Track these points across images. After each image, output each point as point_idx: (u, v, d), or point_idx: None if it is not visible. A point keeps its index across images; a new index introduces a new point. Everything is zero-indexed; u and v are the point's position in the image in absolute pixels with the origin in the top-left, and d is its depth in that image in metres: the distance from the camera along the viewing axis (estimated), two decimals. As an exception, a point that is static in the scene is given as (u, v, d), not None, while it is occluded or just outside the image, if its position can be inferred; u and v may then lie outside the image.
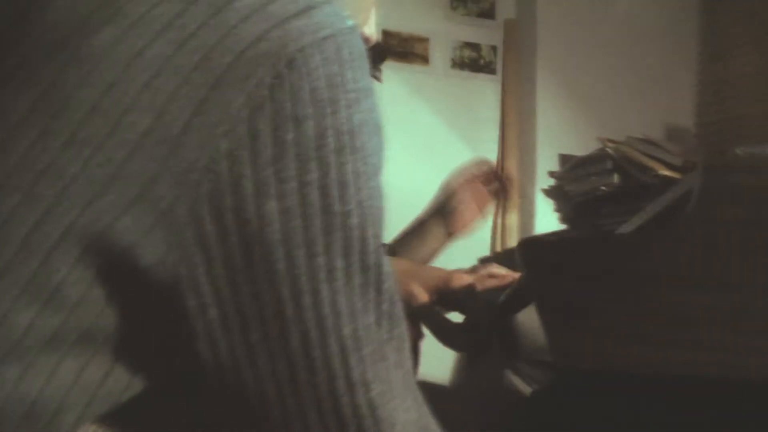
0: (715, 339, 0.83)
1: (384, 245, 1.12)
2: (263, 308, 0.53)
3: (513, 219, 2.68)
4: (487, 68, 2.85)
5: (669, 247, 0.85)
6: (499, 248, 2.56)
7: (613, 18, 2.80)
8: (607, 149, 1.65)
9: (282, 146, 0.52)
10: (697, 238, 0.85)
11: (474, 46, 2.85)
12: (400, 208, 1.78)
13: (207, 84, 0.52)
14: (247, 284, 0.53)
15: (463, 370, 1.41)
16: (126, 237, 0.52)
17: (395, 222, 1.74)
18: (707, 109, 2.87)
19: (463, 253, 1.60)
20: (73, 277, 0.52)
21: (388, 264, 0.57)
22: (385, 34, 2.73)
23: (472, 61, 2.84)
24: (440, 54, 2.80)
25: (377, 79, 2.01)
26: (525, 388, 0.96)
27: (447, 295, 1.11)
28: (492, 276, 1.31)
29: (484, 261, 1.71)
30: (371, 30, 0.89)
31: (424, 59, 2.78)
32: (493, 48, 2.86)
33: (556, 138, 2.69)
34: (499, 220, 2.71)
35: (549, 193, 2.11)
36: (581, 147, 2.52)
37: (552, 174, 2.60)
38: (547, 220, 2.57)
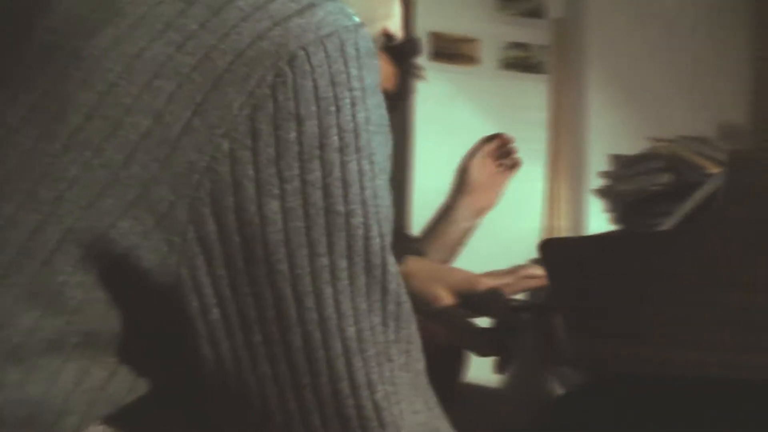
0: (741, 340, 0.82)
1: (411, 244, 1.11)
2: (265, 309, 0.53)
3: (565, 220, 2.66)
4: (536, 68, 2.84)
5: (692, 246, 0.84)
6: (550, 249, 2.53)
7: (663, 14, 2.76)
8: (658, 148, 1.63)
9: (284, 145, 0.51)
10: (722, 237, 0.83)
11: (523, 46, 2.83)
12: (449, 210, 1.79)
13: (207, 84, 0.51)
14: (249, 285, 0.52)
15: (506, 373, 1.41)
16: (126, 239, 0.51)
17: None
18: (763, 105, 2.81)
19: (515, 255, 1.60)
20: (74, 280, 0.52)
21: (395, 264, 0.56)
22: (433, 35, 2.73)
23: (520, 61, 2.82)
24: (489, 54, 2.79)
25: (420, 77, 2.02)
26: (557, 391, 0.96)
27: (471, 298, 1.10)
28: (530, 277, 1.31)
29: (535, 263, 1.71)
30: (396, 25, 0.88)
31: (473, 60, 2.78)
32: (542, 47, 2.85)
33: (608, 138, 2.66)
34: (550, 222, 2.69)
35: (600, 193, 2.09)
36: (633, 147, 2.50)
37: (602, 174, 2.57)
38: (598, 220, 2.55)
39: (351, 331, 0.54)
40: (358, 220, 0.53)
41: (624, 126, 2.65)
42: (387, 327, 0.56)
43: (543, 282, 1.30)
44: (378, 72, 0.57)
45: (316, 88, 0.52)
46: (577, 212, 2.65)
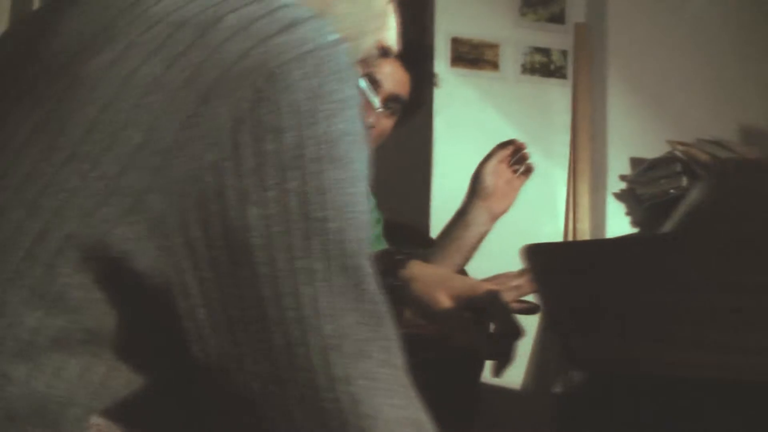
0: (727, 341, 0.84)
1: (418, 251, 1.14)
2: (248, 309, 0.57)
3: (585, 224, 2.67)
4: (558, 73, 2.85)
5: (678, 250, 0.86)
6: (572, 253, 2.53)
7: (684, 19, 2.77)
8: (676, 152, 1.65)
9: (263, 156, 0.55)
10: (708, 241, 0.86)
11: (544, 51, 2.85)
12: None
13: (194, 100, 0.56)
14: (232, 286, 0.56)
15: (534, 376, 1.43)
16: (121, 244, 0.56)
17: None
18: (785, 108, 2.80)
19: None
20: (75, 282, 0.56)
21: (371, 266, 0.60)
22: (455, 41, 2.75)
23: (542, 66, 2.84)
24: (510, 60, 2.81)
25: (435, 83, 2.03)
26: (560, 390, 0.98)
27: (472, 302, 1.13)
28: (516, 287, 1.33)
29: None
30: (392, 37, 0.91)
31: (495, 65, 2.80)
32: (564, 52, 2.86)
33: (628, 141, 2.66)
34: (571, 225, 2.70)
35: (620, 196, 2.10)
36: (654, 150, 2.51)
37: (623, 178, 2.58)
38: (618, 223, 2.56)
39: (328, 329, 0.57)
40: (333, 225, 0.57)
41: (645, 129, 2.65)
42: (363, 325, 0.59)
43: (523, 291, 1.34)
44: (357, 86, 0.60)
45: (294, 102, 0.56)
46: (598, 215, 2.65)
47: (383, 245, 1.73)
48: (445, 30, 2.74)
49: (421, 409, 0.63)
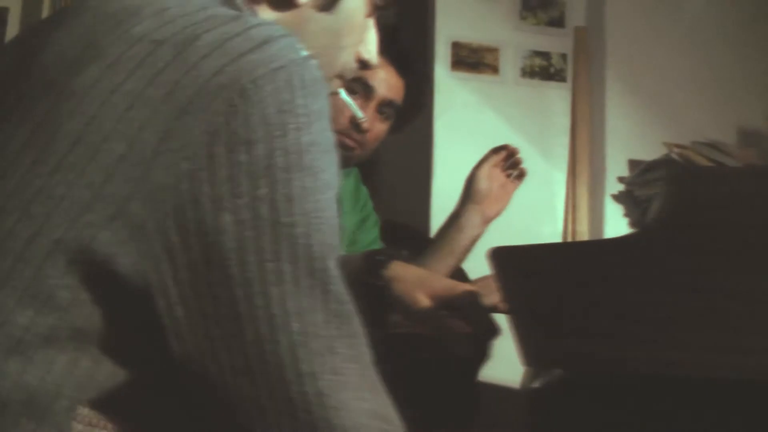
0: (682, 339, 0.87)
1: (401, 253, 1.17)
2: (221, 308, 0.61)
3: (584, 225, 2.69)
4: (558, 76, 2.87)
5: (638, 253, 0.90)
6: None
7: (683, 22, 2.78)
8: (672, 154, 1.67)
9: (236, 166, 0.60)
10: (665, 245, 0.89)
11: (544, 55, 2.87)
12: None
13: (172, 114, 0.60)
14: (207, 287, 0.61)
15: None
16: (106, 248, 0.60)
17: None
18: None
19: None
20: (63, 283, 0.61)
21: (337, 268, 0.64)
22: (455, 45, 2.78)
23: (542, 69, 2.86)
24: (510, 63, 2.83)
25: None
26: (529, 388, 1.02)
27: (451, 302, 1.16)
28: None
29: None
30: (370, 51, 0.94)
31: (495, 69, 2.82)
32: (563, 56, 2.88)
33: (626, 144, 2.68)
34: (570, 226, 2.72)
35: (618, 198, 2.13)
36: (653, 152, 2.52)
37: (621, 179, 2.60)
38: (617, 225, 2.57)
39: (296, 326, 0.61)
40: (300, 230, 0.61)
41: (643, 132, 2.66)
42: (330, 323, 0.63)
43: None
44: (326, 99, 0.65)
45: (264, 116, 0.60)
46: (597, 216, 2.67)
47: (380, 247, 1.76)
48: (445, 34, 2.76)
49: (387, 403, 0.67)
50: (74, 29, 0.67)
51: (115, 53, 0.63)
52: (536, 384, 1.01)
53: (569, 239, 2.65)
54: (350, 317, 0.65)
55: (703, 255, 0.88)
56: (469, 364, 1.55)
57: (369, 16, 0.90)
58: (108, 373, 0.63)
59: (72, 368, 0.62)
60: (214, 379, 0.62)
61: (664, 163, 1.61)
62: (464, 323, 1.13)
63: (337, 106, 1.37)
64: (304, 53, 0.65)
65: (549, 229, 2.71)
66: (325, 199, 0.63)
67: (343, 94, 1.10)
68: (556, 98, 2.83)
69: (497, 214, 1.73)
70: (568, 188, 2.76)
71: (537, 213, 2.68)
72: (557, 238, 2.69)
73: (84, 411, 0.63)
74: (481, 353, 1.27)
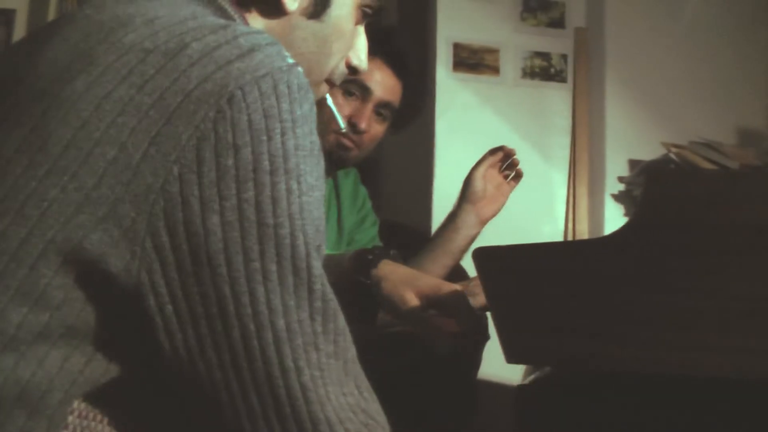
0: (660, 338, 0.89)
1: (395, 252, 1.19)
2: (210, 305, 0.63)
3: (584, 224, 2.70)
4: (558, 77, 2.88)
5: (614, 252, 0.92)
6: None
7: (682, 23, 2.79)
8: (670, 154, 1.68)
9: (223, 170, 0.62)
10: (641, 244, 0.91)
11: (544, 56, 2.88)
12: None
13: (162, 119, 0.63)
14: (196, 285, 0.63)
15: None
16: (97, 248, 0.62)
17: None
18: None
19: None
20: (56, 282, 0.63)
21: (320, 267, 0.67)
22: (456, 46, 2.79)
23: (542, 70, 2.87)
24: (511, 64, 2.84)
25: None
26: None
27: (437, 301, 1.18)
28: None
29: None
30: (360, 57, 0.96)
31: (495, 70, 2.82)
32: (564, 57, 2.89)
33: (626, 144, 2.69)
34: (571, 226, 2.73)
35: (618, 198, 2.14)
36: (652, 152, 2.53)
37: (621, 179, 2.61)
38: (616, 224, 2.58)
39: (281, 323, 0.64)
40: (285, 230, 0.64)
41: (643, 132, 2.67)
42: (314, 320, 0.66)
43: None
44: (312, 105, 0.67)
45: (250, 121, 0.63)
46: (596, 216, 2.68)
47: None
48: (446, 35, 2.77)
49: (370, 398, 0.69)
50: (68, 37, 0.70)
51: (106, 61, 0.65)
52: (525, 381, 1.03)
53: (570, 239, 2.66)
54: (334, 315, 0.68)
55: (679, 255, 0.90)
56: (459, 365, 1.56)
57: (358, 23, 0.93)
58: (101, 369, 0.66)
59: (64, 364, 0.64)
60: (202, 375, 0.65)
61: (661, 162, 1.62)
62: (452, 322, 1.15)
63: (337, 106, 1.38)
64: (291, 61, 0.67)
65: (549, 229, 2.72)
66: (310, 201, 0.66)
67: (329, 101, 1.13)
68: (557, 99, 2.84)
69: (493, 214, 1.74)
70: (568, 188, 2.77)
71: (537, 213, 2.69)
72: (557, 238, 2.70)
73: (79, 405, 0.66)
74: (471, 355, 1.28)
